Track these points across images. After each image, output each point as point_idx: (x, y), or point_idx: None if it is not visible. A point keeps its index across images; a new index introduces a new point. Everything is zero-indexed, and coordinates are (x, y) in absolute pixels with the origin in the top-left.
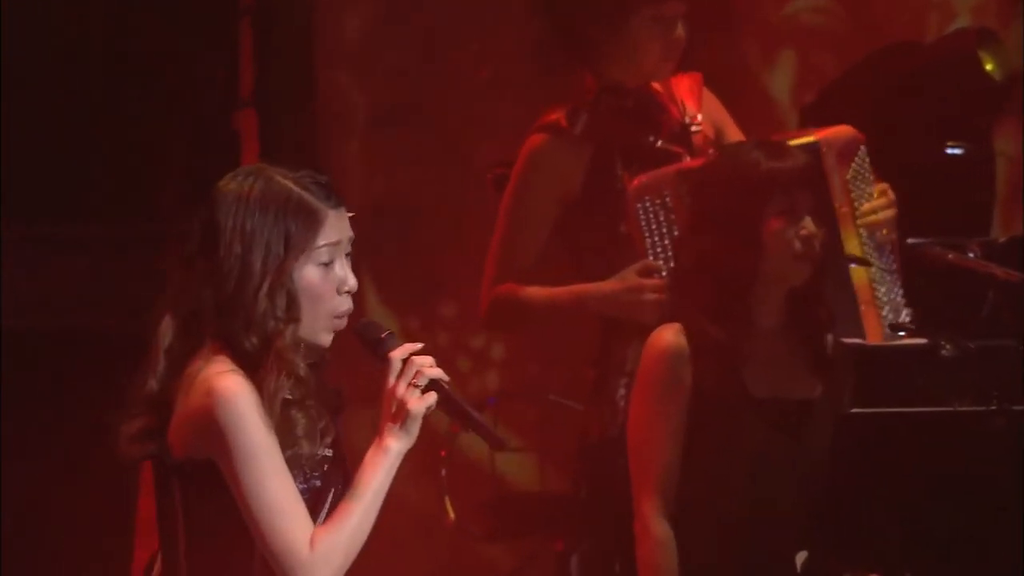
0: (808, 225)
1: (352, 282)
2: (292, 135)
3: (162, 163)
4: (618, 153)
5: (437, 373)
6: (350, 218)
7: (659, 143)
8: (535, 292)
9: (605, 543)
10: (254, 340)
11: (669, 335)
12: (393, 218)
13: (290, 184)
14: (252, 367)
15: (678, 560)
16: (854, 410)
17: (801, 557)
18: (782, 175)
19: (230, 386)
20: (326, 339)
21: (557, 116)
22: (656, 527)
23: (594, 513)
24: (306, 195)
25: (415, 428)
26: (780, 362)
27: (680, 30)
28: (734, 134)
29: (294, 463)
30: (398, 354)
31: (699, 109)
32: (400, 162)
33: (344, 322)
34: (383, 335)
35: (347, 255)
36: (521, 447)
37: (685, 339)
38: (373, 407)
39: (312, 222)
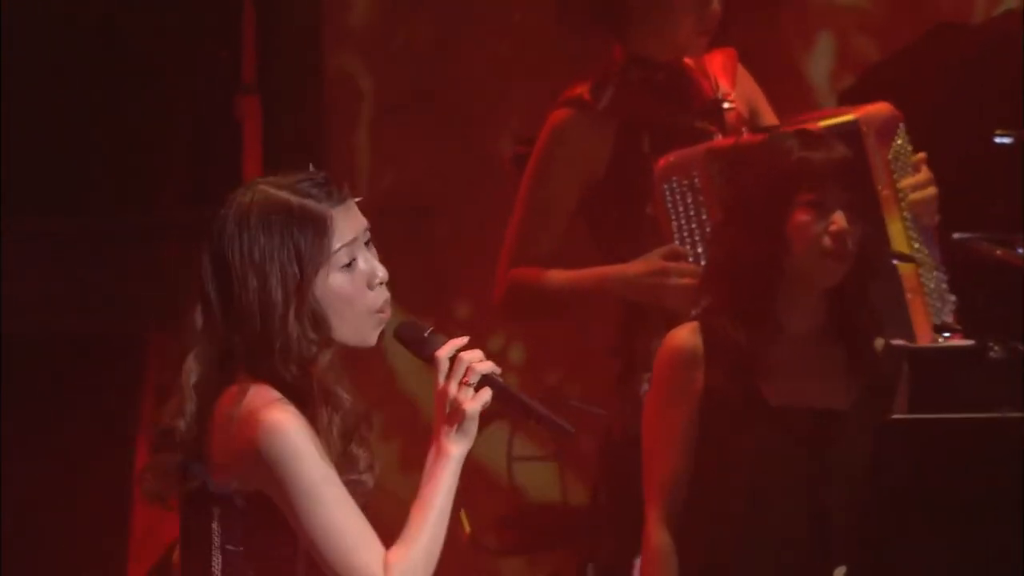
0: (839, 220)
1: (381, 273)
2: (296, 123)
3: (159, 152)
4: (645, 130)
5: (488, 367)
6: (358, 203)
7: (689, 120)
8: (554, 275)
9: (624, 550)
10: (293, 370)
11: (683, 335)
12: (404, 213)
13: (287, 195)
14: (298, 396)
15: (679, 570)
16: (895, 416)
17: (840, 573)
18: (813, 165)
19: (280, 418)
20: (373, 338)
21: (581, 90)
22: (656, 536)
23: (613, 517)
24: (308, 202)
25: (473, 428)
26: (809, 369)
27: (716, 3)
28: (768, 115)
29: (356, 492)
30: (444, 352)
31: (733, 87)
32: (412, 152)
33: (387, 314)
34: (425, 333)
35: (368, 244)
36: (540, 456)
37: (701, 339)
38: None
39: (321, 229)
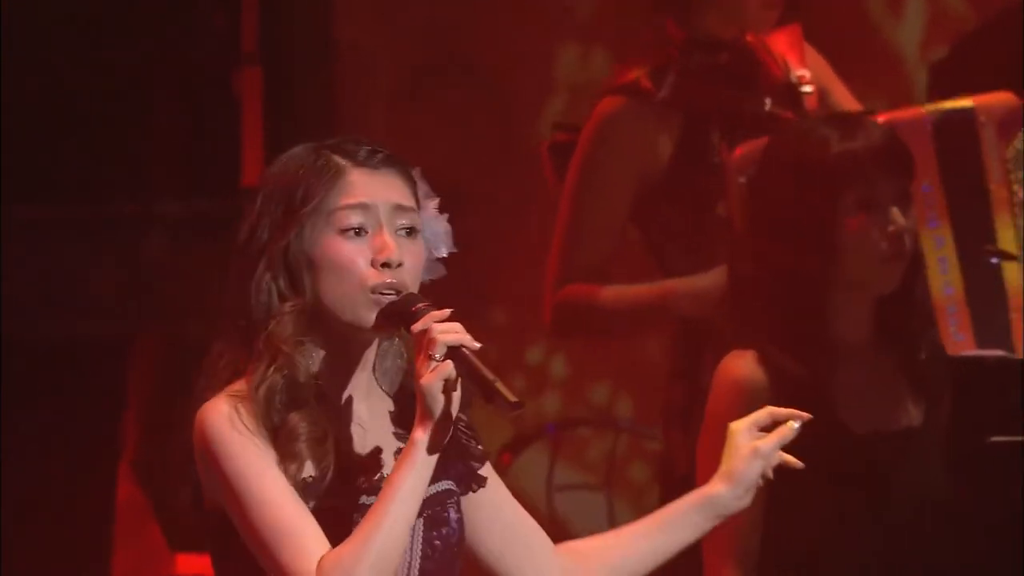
0: (896, 219)
1: (390, 253)
2: (303, 100)
3: (144, 134)
4: (713, 120)
5: (453, 338)
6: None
7: (763, 107)
8: (610, 293)
9: None
10: (242, 323)
11: (742, 366)
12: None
13: (318, 147)
14: (290, 394)
15: None
16: (994, 439)
17: None
18: (859, 158)
19: (210, 405)
20: (367, 317)
21: (637, 75)
22: None
23: (680, 568)
24: (329, 154)
25: (435, 407)
26: (874, 386)
27: None
28: (843, 98)
29: (309, 485)
30: (418, 326)
31: (804, 66)
32: (436, 135)
33: (389, 298)
34: (413, 307)
35: (407, 232)
36: (585, 484)
37: (763, 372)
38: None
39: (327, 180)
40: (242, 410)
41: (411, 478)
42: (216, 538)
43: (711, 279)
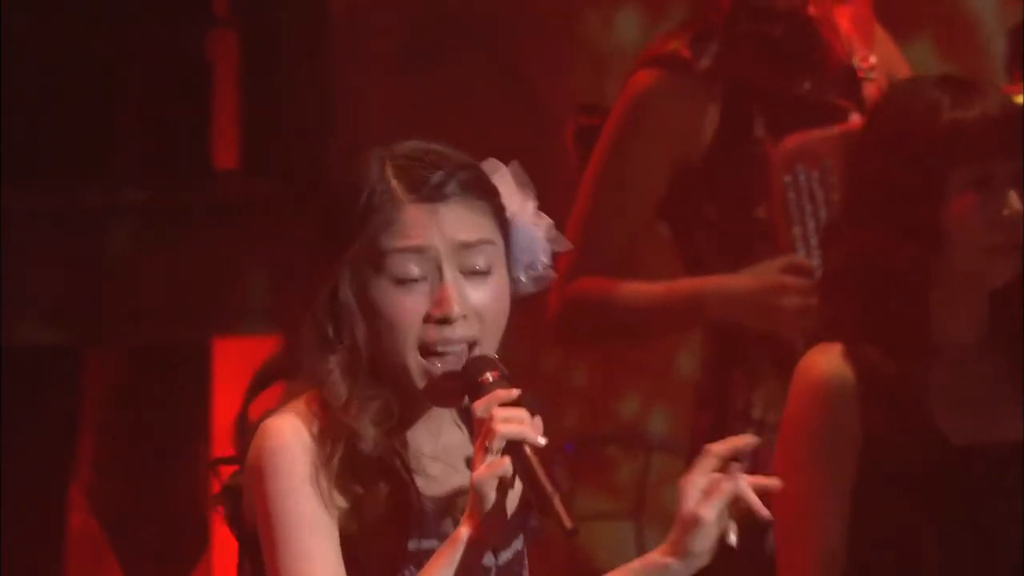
0: (1013, 203)
1: (448, 308)
2: (289, 70)
3: (111, 105)
4: (759, 103)
5: (514, 431)
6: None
7: (818, 93)
8: (630, 288)
9: None
10: (309, 372)
11: (827, 363)
12: None
13: (388, 166)
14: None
15: None
16: None
17: None
18: (972, 129)
19: (276, 424)
20: (417, 379)
21: (675, 44)
22: None
23: None
24: (392, 181)
25: (482, 506)
26: (979, 394)
27: None
28: None
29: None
30: (480, 406)
31: (871, 49)
32: (443, 114)
33: (448, 361)
34: (482, 378)
35: (469, 274)
36: (612, 513)
37: (851, 368)
38: None
39: (378, 216)
40: (307, 442)
41: (443, 573)
42: (248, 554)
43: (748, 280)
